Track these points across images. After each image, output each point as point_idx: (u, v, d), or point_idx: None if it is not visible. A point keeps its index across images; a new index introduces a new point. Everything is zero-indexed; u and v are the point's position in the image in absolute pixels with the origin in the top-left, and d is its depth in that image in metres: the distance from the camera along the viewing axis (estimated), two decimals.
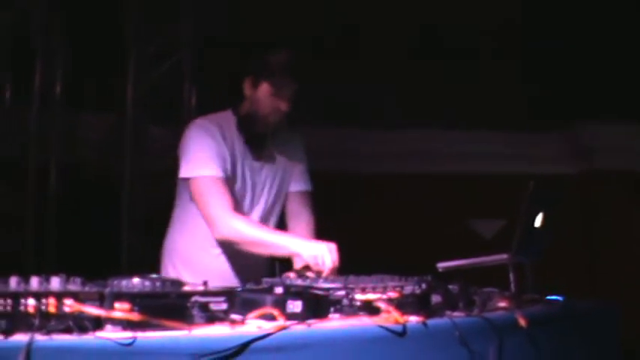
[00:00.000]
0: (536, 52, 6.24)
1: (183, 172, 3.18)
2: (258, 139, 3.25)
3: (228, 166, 3.17)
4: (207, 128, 3.20)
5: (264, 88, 3.18)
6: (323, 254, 2.93)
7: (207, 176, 3.12)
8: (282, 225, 3.42)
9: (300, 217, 3.37)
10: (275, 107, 3.18)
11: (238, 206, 3.20)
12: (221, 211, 3.08)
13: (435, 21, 6.04)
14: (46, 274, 2.02)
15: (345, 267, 3.12)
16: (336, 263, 2.94)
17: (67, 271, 2.07)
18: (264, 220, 3.31)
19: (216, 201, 3.09)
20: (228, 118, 3.27)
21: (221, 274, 3.19)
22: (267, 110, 3.19)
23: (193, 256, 3.29)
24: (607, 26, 6.08)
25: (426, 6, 5.92)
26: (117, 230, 5.44)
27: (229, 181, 3.17)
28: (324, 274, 2.87)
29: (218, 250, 3.26)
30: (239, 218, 3.10)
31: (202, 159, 3.14)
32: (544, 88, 6.26)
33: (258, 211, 3.30)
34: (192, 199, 3.19)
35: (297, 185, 3.40)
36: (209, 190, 3.11)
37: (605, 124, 6.32)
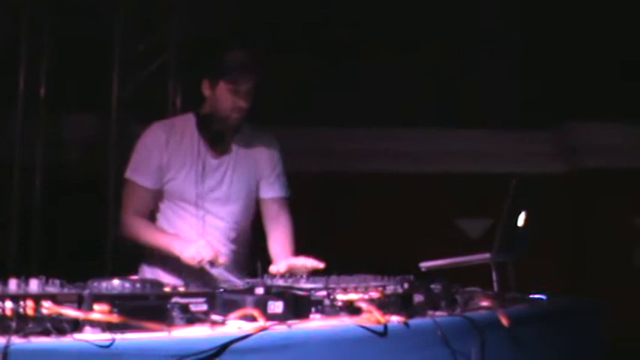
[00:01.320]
0: (526, 51, 6.24)
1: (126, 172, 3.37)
2: (216, 138, 3.33)
3: (162, 174, 3.29)
4: (154, 135, 3.34)
5: (222, 88, 3.25)
6: (199, 250, 3.08)
7: (130, 180, 3.31)
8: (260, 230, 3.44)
9: (278, 223, 3.42)
10: (235, 105, 3.25)
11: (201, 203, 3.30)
12: (125, 214, 3.29)
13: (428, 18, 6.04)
14: (28, 276, 2.01)
15: (331, 267, 3.14)
16: (216, 254, 3.09)
17: (52, 273, 2.06)
18: (230, 215, 3.34)
19: (127, 204, 3.30)
20: (188, 119, 3.37)
21: (194, 273, 3.20)
22: (228, 109, 3.26)
23: (164, 256, 3.31)
24: (596, 25, 6.09)
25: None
26: (102, 231, 5.41)
27: (166, 186, 3.30)
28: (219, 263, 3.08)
29: (192, 243, 3.29)
30: (136, 222, 3.27)
31: (135, 164, 3.32)
32: (532, 87, 6.27)
33: (217, 206, 3.33)
34: None
35: (271, 192, 3.44)
36: (127, 193, 3.32)
37: (594, 123, 6.33)
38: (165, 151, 3.29)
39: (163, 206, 3.34)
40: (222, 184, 3.34)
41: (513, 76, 6.24)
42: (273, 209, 3.42)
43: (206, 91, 3.29)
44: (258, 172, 3.42)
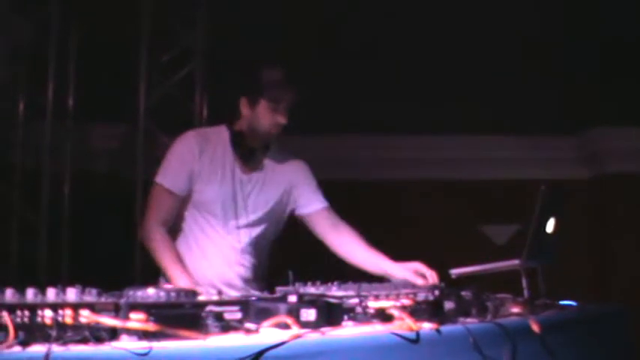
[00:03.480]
0: (550, 57, 6.23)
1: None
2: (248, 154, 3.35)
3: (192, 183, 3.30)
4: (188, 143, 3.36)
5: (263, 106, 3.27)
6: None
7: (160, 184, 3.31)
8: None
9: (341, 230, 3.42)
10: (274, 122, 3.28)
11: (220, 219, 3.32)
12: (149, 220, 3.29)
13: (451, 26, 6.04)
14: (59, 284, 2.03)
15: (360, 274, 3.16)
16: None
17: (81, 280, 2.09)
18: (250, 229, 3.36)
19: (152, 208, 3.31)
20: (221, 132, 3.39)
21: (215, 280, 3.25)
22: (268, 125, 3.29)
23: (190, 262, 3.34)
24: (620, 31, 6.07)
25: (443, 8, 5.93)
26: (130, 239, 5.46)
27: (188, 196, 3.32)
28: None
29: (208, 256, 3.34)
30: (158, 236, 3.25)
31: (166, 169, 3.33)
32: (556, 93, 6.25)
33: (243, 221, 3.35)
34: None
35: (317, 203, 3.45)
36: (154, 196, 3.32)
37: (618, 128, 6.31)
38: (197, 161, 3.31)
39: (188, 215, 3.36)
40: (250, 199, 3.36)
41: (538, 83, 6.22)
42: (327, 219, 3.42)
43: (244, 108, 3.31)
44: (291, 188, 3.43)
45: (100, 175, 5.90)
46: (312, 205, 3.44)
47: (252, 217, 3.36)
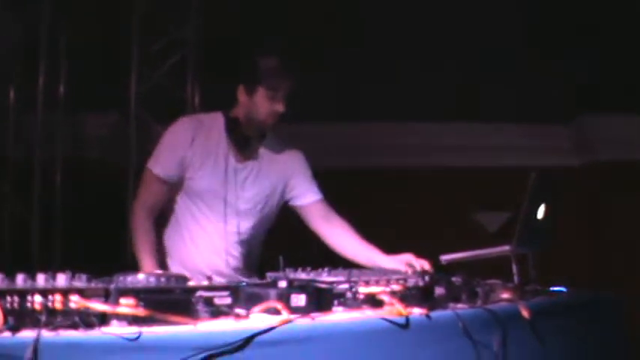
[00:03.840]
0: (540, 44, 6.24)
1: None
2: (244, 142, 3.34)
3: (183, 170, 3.30)
4: (180, 129, 3.37)
5: (261, 93, 3.25)
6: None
7: (150, 170, 3.33)
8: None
9: (333, 221, 3.41)
10: (272, 110, 3.26)
11: (212, 204, 3.31)
12: (138, 204, 3.33)
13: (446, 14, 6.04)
14: (49, 271, 2.04)
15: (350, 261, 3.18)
16: None
17: (73, 268, 2.09)
18: (245, 219, 3.36)
19: (142, 193, 3.34)
20: (216, 118, 3.37)
21: (204, 267, 3.24)
22: (265, 114, 3.27)
23: (177, 250, 3.37)
24: (610, 18, 6.07)
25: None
26: (122, 227, 5.45)
27: (180, 182, 3.32)
28: None
29: (198, 244, 3.34)
30: (141, 222, 3.29)
31: (157, 155, 3.34)
32: (548, 80, 6.26)
33: (235, 209, 3.34)
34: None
35: (312, 195, 3.44)
36: (144, 182, 3.35)
37: (609, 115, 6.32)
38: (189, 148, 3.29)
39: (180, 201, 3.36)
40: (244, 188, 3.34)
41: (530, 71, 6.22)
42: (320, 211, 3.42)
43: (241, 96, 3.29)
44: (286, 178, 3.42)
45: (91, 164, 5.89)
46: (306, 197, 3.43)
47: (245, 205, 3.35)
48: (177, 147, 3.30)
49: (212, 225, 3.34)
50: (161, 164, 3.31)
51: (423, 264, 3.10)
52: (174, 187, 3.34)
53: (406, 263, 3.12)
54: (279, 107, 3.25)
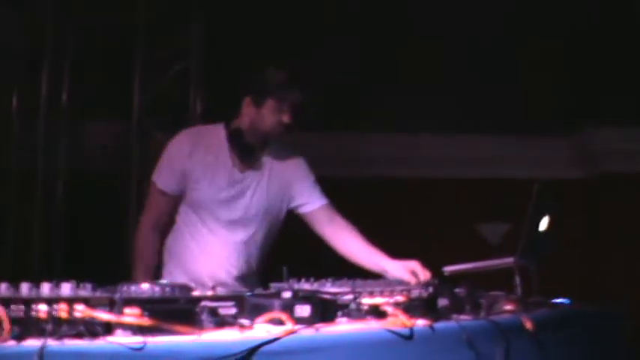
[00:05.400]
0: (543, 55, 6.24)
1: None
2: (247, 152, 3.34)
3: (184, 183, 3.32)
4: (178, 143, 3.39)
5: (270, 105, 3.27)
6: None
7: (154, 183, 3.38)
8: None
9: (339, 225, 3.41)
10: (279, 122, 3.28)
11: (216, 214, 3.33)
12: (144, 219, 3.39)
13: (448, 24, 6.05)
14: (50, 281, 2.04)
15: (355, 271, 3.17)
16: None
17: (75, 277, 2.09)
18: (244, 228, 3.35)
19: (148, 207, 3.41)
20: (217, 130, 3.39)
21: (206, 278, 3.25)
22: (273, 125, 3.28)
23: (179, 260, 3.38)
24: (614, 29, 6.08)
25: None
26: (124, 237, 5.45)
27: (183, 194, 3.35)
28: None
29: (201, 257, 3.34)
30: (143, 235, 3.36)
31: (159, 168, 3.38)
32: (551, 92, 6.26)
33: (236, 219, 3.34)
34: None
35: (316, 201, 3.44)
36: (150, 196, 3.41)
37: (612, 127, 6.32)
38: (188, 160, 3.31)
39: (182, 212, 3.37)
40: (245, 197, 3.35)
41: (533, 82, 6.23)
42: (325, 216, 3.42)
43: (247, 107, 3.30)
44: (291, 186, 3.42)
45: (94, 173, 5.89)
46: (310, 204, 3.43)
47: (247, 215, 3.35)
48: (176, 160, 3.34)
49: (214, 235, 3.35)
50: (163, 178, 3.36)
51: (426, 274, 3.10)
52: (178, 199, 3.35)
53: (411, 271, 3.12)
54: (286, 119, 3.27)
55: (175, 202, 3.36)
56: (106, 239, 5.47)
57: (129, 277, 5.08)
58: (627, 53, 6.11)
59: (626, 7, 6.01)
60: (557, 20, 6.16)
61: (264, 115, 3.27)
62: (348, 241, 3.38)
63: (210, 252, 3.35)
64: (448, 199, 6.37)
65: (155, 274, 3.33)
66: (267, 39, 5.58)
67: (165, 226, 3.38)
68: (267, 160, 3.40)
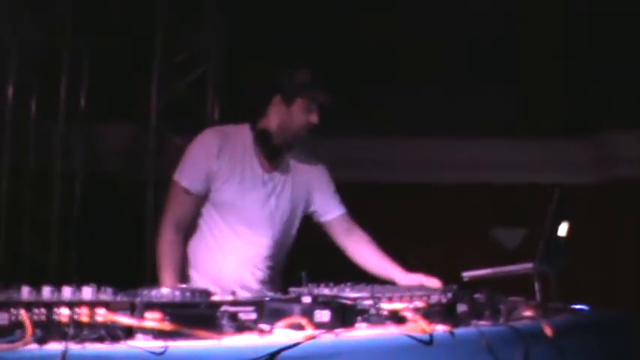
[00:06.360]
0: (560, 60, 6.22)
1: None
2: (273, 153, 3.33)
3: (209, 183, 3.28)
4: (207, 141, 3.35)
5: (299, 104, 3.27)
6: None
7: (177, 183, 3.30)
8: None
9: (356, 236, 3.43)
10: (308, 121, 3.27)
11: (236, 214, 3.30)
12: (165, 219, 3.30)
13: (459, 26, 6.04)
14: (71, 282, 2.04)
15: (369, 277, 3.17)
16: None
17: (91, 279, 2.10)
18: (269, 230, 3.34)
19: (170, 207, 3.32)
20: (243, 130, 3.36)
21: (230, 280, 3.24)
22: (301, 125, 3.28)
23: (202, 262, 3.35)
24: (632, 33, 6.06)
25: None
26: (140, 240, 5.47)
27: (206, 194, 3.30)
28: None
29: (225, 259, 3.32)
30: (167, 235, 3.27)
31: (184, 167, 3.31)
32: (567, 96, 6.24)
33: (262, 221, 3.33)
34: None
35: (335, 210, 3.45)
36: (172, 196, 3.33)
37: (628, 133, 6.30)
38: (215, 160, 3.27)
39: (206, 213, 3.33)
40: (271, 199, 3.34)
41: (549, 86, 6.21)
42: (343, 225, 3.43)
43: (277, 106, 3.29)
44: (312, 190, 3.43)
45: (111, 176, 5.92)
46: (329, 212, 3.44)
47: (273, 216, 3.34)
48: (204, 159, 3.29)
49: (238, 237, 3.32)
50: (188, 177, 3.29)
51: (434, 283, 3.08)
52: (202, 200, 3.33)
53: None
54: (314, 119, 3.27)
55: (198, 202, 3.31)
56: (122, 241, 5.49)
57: (147, 281, 5.15)
58: None
59: None
60: (576, 21, 6.14)
61: (294, 114, 3.27)
62: (362, 251, 3.40)
63: (235, 254, 3.32)
64: (467, 204, 6.36)
65: (182, 276, 3.30)
66: (285, 39, 5.59)
67: (187, 228, 3.34)
68: (291, 162, 3.39)
